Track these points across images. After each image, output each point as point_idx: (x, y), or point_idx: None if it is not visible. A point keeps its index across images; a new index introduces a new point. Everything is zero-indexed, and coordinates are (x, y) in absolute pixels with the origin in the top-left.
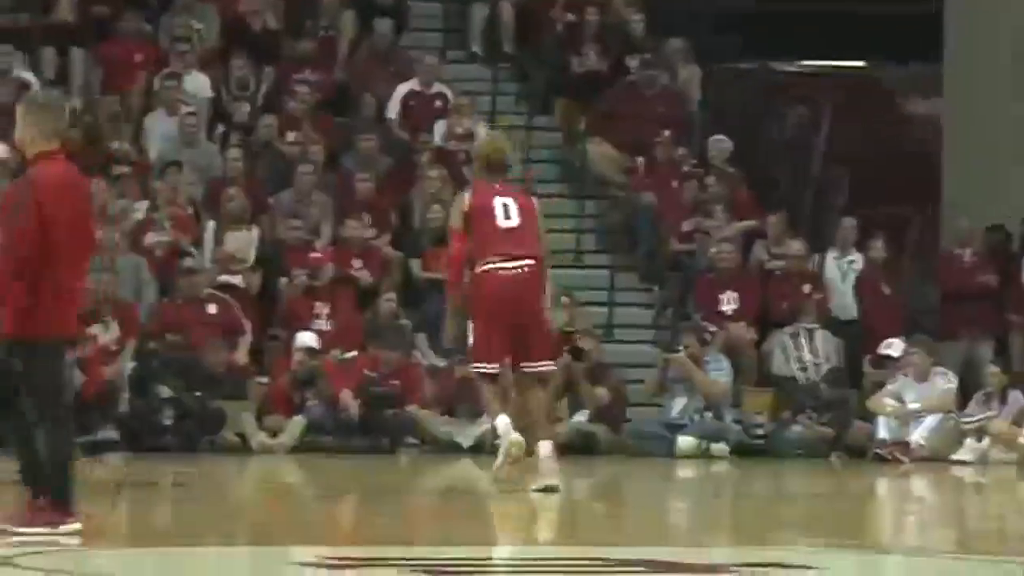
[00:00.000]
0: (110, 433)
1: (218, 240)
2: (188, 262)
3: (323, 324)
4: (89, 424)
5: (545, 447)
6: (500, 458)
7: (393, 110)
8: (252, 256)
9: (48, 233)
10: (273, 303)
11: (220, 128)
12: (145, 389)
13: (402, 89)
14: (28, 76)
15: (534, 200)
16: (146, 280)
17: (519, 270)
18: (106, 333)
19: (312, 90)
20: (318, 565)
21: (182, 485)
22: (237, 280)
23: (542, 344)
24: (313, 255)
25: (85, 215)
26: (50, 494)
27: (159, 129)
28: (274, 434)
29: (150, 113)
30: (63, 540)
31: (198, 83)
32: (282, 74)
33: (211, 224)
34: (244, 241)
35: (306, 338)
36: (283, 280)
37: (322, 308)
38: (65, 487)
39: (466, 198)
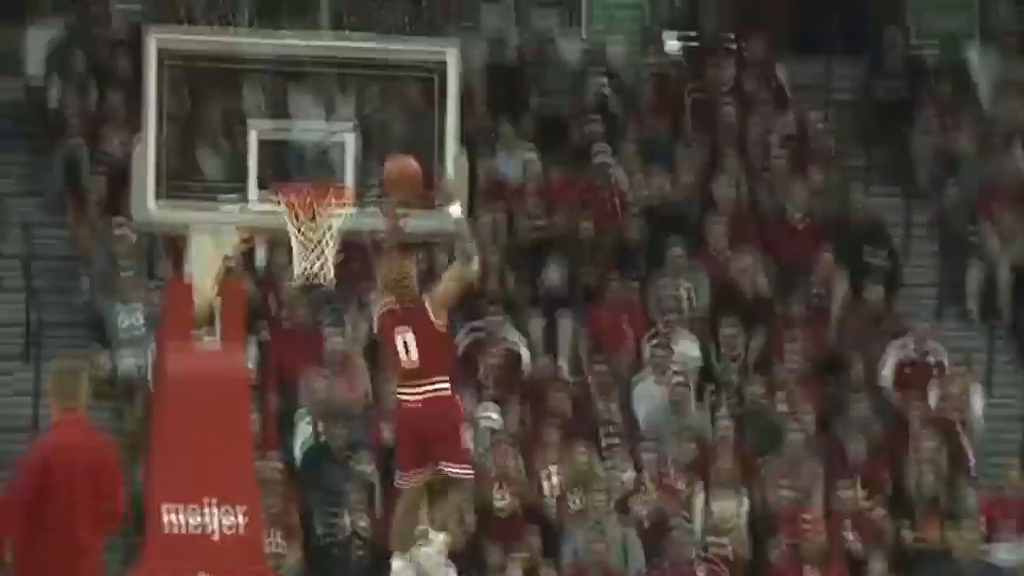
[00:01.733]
0: None
1: (706, 505)
2: (676, 527)
3: None
4: None
5: None
6: None
7: (886, 374)
8: (742, 522)
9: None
10: (763, 570)
11: (710, 391)
12: None
13: (895, 352)
14: (516, 340)
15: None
16: (633, 548)
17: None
18: None
19: (802, 353)
20: None
21: None
22: (725, 546)
23: None
24: (803, 521)
25: (83, 484)
26: None
27: (647, 393)
28: None
29: (638, 377)
30: None
31: (687, 347)
32: (772, 337)
33: (701, 495)
34: (733, 506)
35: None
36: (772, 547)
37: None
38: None
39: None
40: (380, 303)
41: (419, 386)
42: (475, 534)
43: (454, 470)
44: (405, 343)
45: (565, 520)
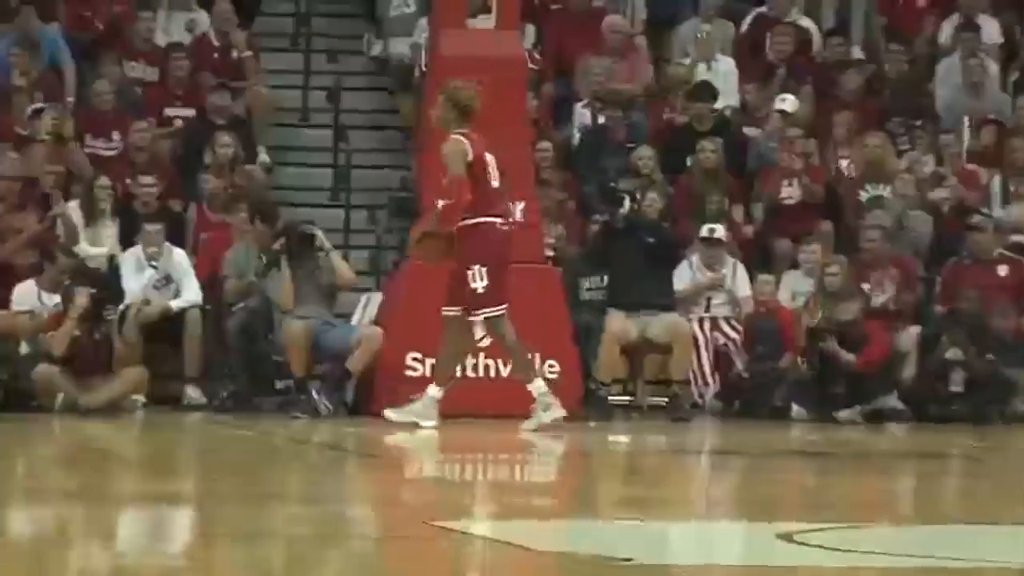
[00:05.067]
0: (892, 401)
1: (1006, 197)
2: (976, 220)
3: None
4: (869, 392)
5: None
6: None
7: None
8: None
9: None
10: None
11: (1014, 75)
12: (932, 354)
13: None
14: (808, 23)
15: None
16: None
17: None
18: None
19: None
20: None
21: (974, 459)
22: None
23: None
24: None
25: None
26: None
27: (952, 78)
28: None
29: (940, 61)
30: None
31: (990, 28)
32: None
33: (997, 179)
34: None
35: None
36: None
37: None
38: None
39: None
40: (455, 132)
41: (504, 212)
42: (763, 225)
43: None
44: (495, 165)
45: (858, 211)
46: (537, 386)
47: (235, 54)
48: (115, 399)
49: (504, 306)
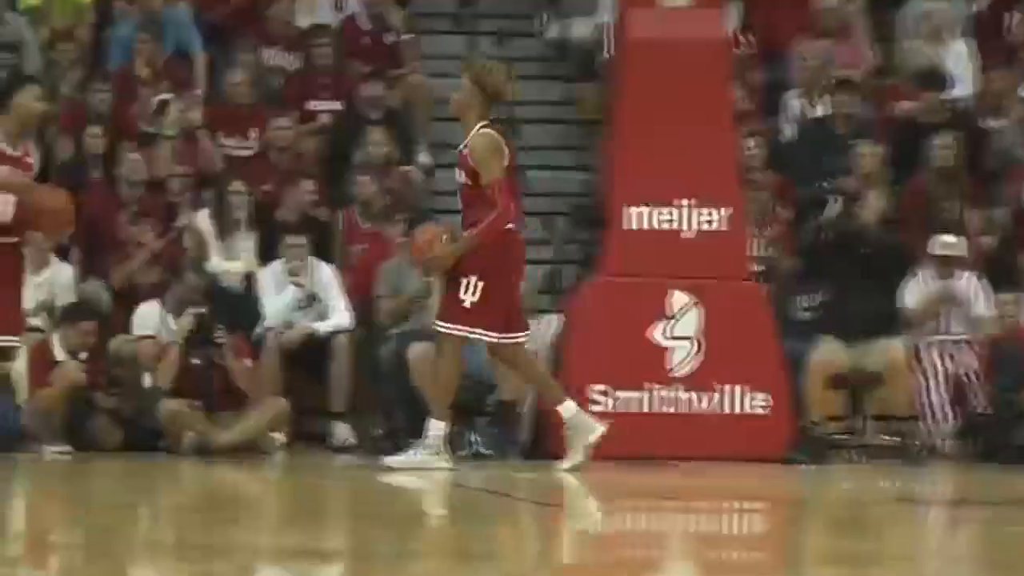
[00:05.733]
0: None
1: None
2: None
3: None
4: None
5: None
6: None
7: None
8: None
9: None
10: None
11: None
12: None
13: None
14: None
15: None
16: None
17: None
18: None
19: None
20: None
21: None
22: None
23: None
24: None
25: None
26: None
27: None
28: None
29: None
30: None
31: None
32: None
33: None
34: None
35: None
36: None
37: None
38: None
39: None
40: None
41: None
42: (1007, 233)
43: None
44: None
45: None
46: (434, 427)
47: (389, 38)
48: (251, 438)
49: (487, 334)
